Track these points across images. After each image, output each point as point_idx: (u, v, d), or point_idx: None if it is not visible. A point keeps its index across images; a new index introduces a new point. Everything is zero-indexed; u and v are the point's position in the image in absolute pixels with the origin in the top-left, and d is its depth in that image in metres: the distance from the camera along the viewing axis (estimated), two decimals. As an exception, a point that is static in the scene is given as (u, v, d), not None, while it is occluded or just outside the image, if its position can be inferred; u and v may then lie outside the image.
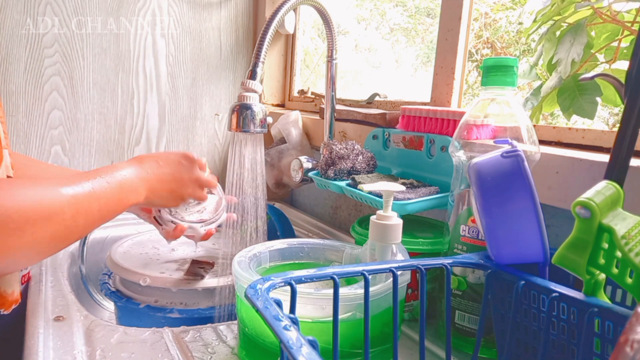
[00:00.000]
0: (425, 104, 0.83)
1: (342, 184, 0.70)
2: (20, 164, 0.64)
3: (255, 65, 0.67)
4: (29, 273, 0.67)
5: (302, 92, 1.25)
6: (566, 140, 0.62)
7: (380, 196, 0.60)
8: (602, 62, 0.64)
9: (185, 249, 0.80)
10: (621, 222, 0.34)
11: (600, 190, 0.35)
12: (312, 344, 0.26)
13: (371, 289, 0.42)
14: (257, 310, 0.31)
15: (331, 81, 0.87)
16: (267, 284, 0.35)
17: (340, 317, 0.39)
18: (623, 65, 0.62)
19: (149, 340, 0.52)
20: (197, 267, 0.67)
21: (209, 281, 0.66)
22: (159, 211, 0.66)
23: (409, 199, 0.59)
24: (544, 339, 0.40)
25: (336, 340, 0.39)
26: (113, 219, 0.53)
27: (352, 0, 1.48)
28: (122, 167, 0.55)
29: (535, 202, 0.41)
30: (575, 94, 0.63)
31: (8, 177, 0.52)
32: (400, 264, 0.42)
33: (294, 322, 0.30)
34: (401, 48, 1.51)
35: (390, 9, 1.54)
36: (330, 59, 0.86)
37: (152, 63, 1.16)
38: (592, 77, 0.45)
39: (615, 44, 0.63)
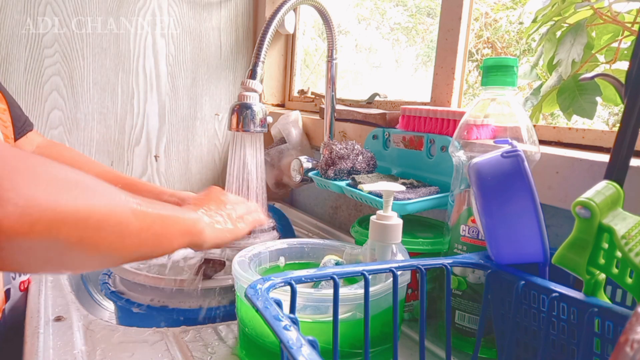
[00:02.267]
0: (425, 104, 0.83)
1: (342, 184, 0.70)
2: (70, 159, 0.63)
3: (255, 65, 0.67)
4: (29, 278, 0.67)
5: (302, 92, 1.25)
6: (566, 140, 0.62)
7: (380, 196, 0.60)
8: (602, 63, 0.64)
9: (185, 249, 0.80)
10: (621, 222, 0.34)
11: (600, 190, 0.35)
12: (312, 344, 0.26)
13: (371, 289, 0.42)
14: (257, 310, 0.31)
15: (331, 81, 0.87)
16: (267, 284, 0.35)
17: (340, 317, 0.39)
18: (623, 65, 0.62)
19: (149, 340, 0.52)
20: (209, 267, 0.66)
21: (209, 281, 0.66)
22: None
23: (409, 199, 0.59)
24: (544, 339, 0.40)
25: (336, 340, 0.39)
26: (172, 244, 0.50)
27: (352, 0, 1.48)
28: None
29: (535, 202, 0.41)
30: (575, 93, 0.63)
31: None
32: (400, 264, 0.42)
33: (294, 322, 0.30)
34: (401, 48, 1.51)
35: (391, 8, 1.54)
36: (330, 58, 0.86)
37: (152, 63, 1.16)
38: (592, 77, 0.45)
39: (615, 44, 0.63)
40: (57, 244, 0.38)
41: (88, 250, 0.41)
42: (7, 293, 0.64)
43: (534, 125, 0.64)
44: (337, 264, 0.55)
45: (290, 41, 1.31)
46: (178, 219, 0.50)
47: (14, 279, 0.65)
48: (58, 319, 0.55)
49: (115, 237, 0.42)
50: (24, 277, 0.66)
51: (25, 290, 0.66)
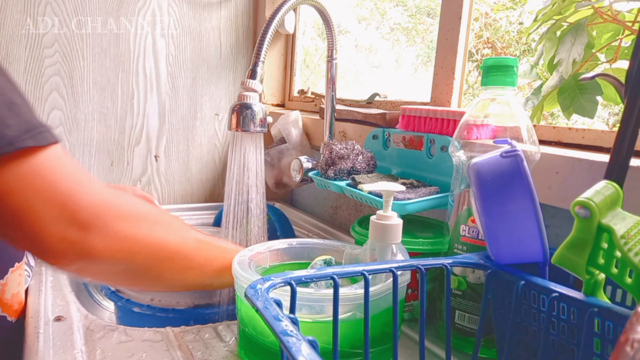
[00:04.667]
0: (425, 104, 0.83)
1: (342, 184, 0.70)
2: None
3: (255, 64, 0.67)
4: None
5: (302, 92, 1.25)
6: (566, 140, 0.62)
7: (380, 196, 0.60)
8: (603, 62, 0.64)
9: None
10: (620, 222, 0.34)
11: (599, 190, 0.35)
12: (312, 344, 0.26)
13: (371, 289, 0.42)
14: (257, 310, 0.31)
15: (331, 81, 0.87)
16: (267, 284, 0.35)
17: (340, 317, 0.39)
18: (624, 64, 0.62)
19: (149, 340, 0.52)
20: None
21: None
22: None
23: (409, 199, 0.59)
24: (544, 339, 0.40)
25: (336, 340, 0.39)
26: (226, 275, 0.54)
27: (352, 0, 1.48)
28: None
29: (535, 202, 0.41)
30: (576, 93, 0.63)
31: None
32: (400, 264, 0.42)
33: (294, 322, 0.30)
34: (401, 48, 1.51)
35: (391, 8, 1.54)
36: (330, 58, 0.86)
37: (152, 63, 1.16)
38: (592, 77, 0.45)
39: (616, 43, 0.63)
40: (132, 267, 0.46)
41: (155, 276, 0.49)
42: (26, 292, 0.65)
43: (534, 125, 0.64)
44: (325, 262, 0.55)
45: (290, 41, 1.31)
46: (226, 252, 0.56)
47: (28, 276, 0.65)
48: (58, 319, 0.55)
49: (179, 267, 0.50)
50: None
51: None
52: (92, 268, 0.44)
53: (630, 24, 0.60)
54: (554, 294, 0.39)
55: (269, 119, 0.69)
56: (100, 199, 0.43)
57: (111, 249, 0.43)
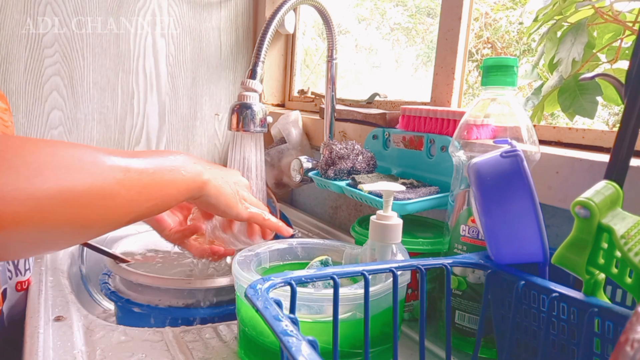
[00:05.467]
0: (425, 104, 0.83)
1: (342, 184, 0.70)
2: None
3: (255, 64, 0.67)
4: (29, 279, 0.67)
5: (302, 92, 1.25)
6: (566, 140, 0.62)
7: (380, 196, 0.60)
8: (603, 62, 0.64)
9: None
10: (620, 222, 0.34)
11: (599, 190, 0.35)
12: (312, 344, 0.26)
13: (371, 289, 0.42)
14: (257, 310, 0.31)
15: (331, 81, 0.87)
16: (267, 284, 0.35)
17: (340, 317, 0.39)
18: (625, 65, 0.62)
19: (149, 340, 0.52)
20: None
21: (209, 281, 0.66)
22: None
23: (409, 199, 0.59)
24: (544, 339, 0.40)
25: (336, 340, 0.39)
26: (174, 198, 0.48)
27: (352, 0, 1.48)
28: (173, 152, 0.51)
29: (535, 202, 0.41)
30: (576, 93, 0.63)
31: None
32: (400, 264, 0.42)
33: (294, 322, 0.30)
34: (401, 48, 1.51)
35: (391, 8, 1.54)
36: (330, 58, 0.86)
37: (152, 63, 1.16)
38: (592, 77, 0.45)
39: (616, 43, 0.63)
40: (45, 228, 0.37)
41: (78, 228, 0.40)
42: (4, 293, 0.64)
43: (534, 125, 0.64)
44: (322, 263, 0.55)
45: (290, 41, 1.31)
46: (176, 178, 0.48)
47: (10, 278, 0.65)
48: (58, 319, 0.55)
49: (104, 210, 0.41)
50: (21, 277, 0.66)
51: (22, 290, 0.66)
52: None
53: (630, 24, 0.60)
54: (554, 294, 0.39)
55: (269, 119, 0.69)
56: None
57: (9, 213, 0.34)
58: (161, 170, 0.46)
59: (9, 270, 0.64)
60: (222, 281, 0.66)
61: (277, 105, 1.34)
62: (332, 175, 0.72)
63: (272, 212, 0.80)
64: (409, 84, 1.40)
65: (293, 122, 1.04)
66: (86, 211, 0.40)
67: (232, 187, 0.57)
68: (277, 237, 0.76)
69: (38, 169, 0.36)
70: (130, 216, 0.44)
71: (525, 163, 0.41)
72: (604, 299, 0.37)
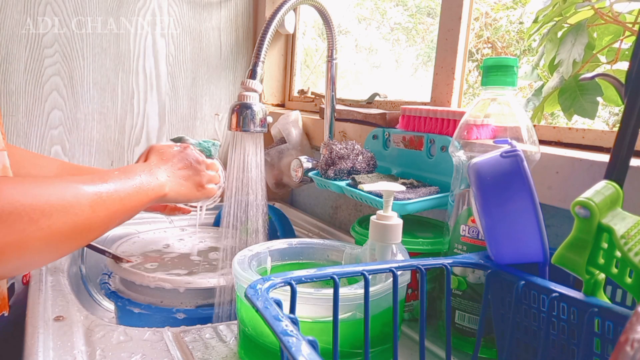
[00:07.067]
0: (425, 103, 0.83)
1: (342, 184, 0.70)
2: (21, 157, 0.65)
3: (255, 64, 0.67)
4: (28, 274, 0.67)
5: (302, 92, 1.25)
6: (566, 140, 0.62)
7: (380, 196, 0.60)
8: (603, 63, 0.64)
9: (185, 249, 0.80)
10: (620, 222, 0.34)
11: (599, 190, 0.35)
12: (312, 344, 0.26)
13: (371, 289, 0.42)
14: (257, 310, 0.31)
15: (331, 81, 0.87)
16: (267, 284, 0.35)
17: (340, 317, 0.39)
18: (625, 66, 0.62)
19: (149, 340, 0.52)
20: None
21: (210, 281, 0.66)
22: None
23: (409, 199, 0.59)
24: (544, 339, 0.40)
25: (336, 340, 0.39)
26: (138, 211, 0.57)
27: (352, 0, 1.48)
28: (135, 165, 0.61)
29: (535, 202, 0.41)
30: (576, 94, 0.63)
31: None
32: (400, 264, 0.42)
33: (294, 322, 0.30)
34: (401, 48, 1.51)
35: (391, 8, 1.54)
36: (330, 58, 0.86)
37: (152, 63, 1.16)
38: (592, 77, 0.45)
39: (616, 44, 0.63)
40: (25, 265, 0.47)
41: (62, 253, 0.49)
42: (12, 287, 0.65)
43: (534, 125, 0.64)
44: (201, 145, 0.66)
45: (290, 41, 1.31)
46: (140, 199, 0.56)
47: None
48: (58, 319, 0.55)
49: (79, 242, 0.50)
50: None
51: (27, 284, 0.66)
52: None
53: (630, 25, 0.60)
54: (554, 294, 0.39)
55: (269, 119, 0.69)
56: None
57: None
58: (128, 194, 0.54)
59: None
60: (222, 281, 0.66)
61: (277, 105, 1.34)
62: (332, 175, 0.72)
63: (269, 215, 0.81)
64: (409, 84, 1.40)
65: (293, 122, 1.04)
66: (67, 245, 0.48)
67: (190, 182, 0.66)
68: (276, 237, 0.76)
69: (31, 219, 0.43)
70: (104, 232, 0.53)
71: (525, 163, 0.41)
72: (604, 299, 0.37)
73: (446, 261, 0.45)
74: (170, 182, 0.63)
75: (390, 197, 0.49)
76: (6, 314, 0.59)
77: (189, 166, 0.67)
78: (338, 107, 0.92)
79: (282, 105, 1.34)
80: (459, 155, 0.52)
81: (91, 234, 0.50)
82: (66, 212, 0.46)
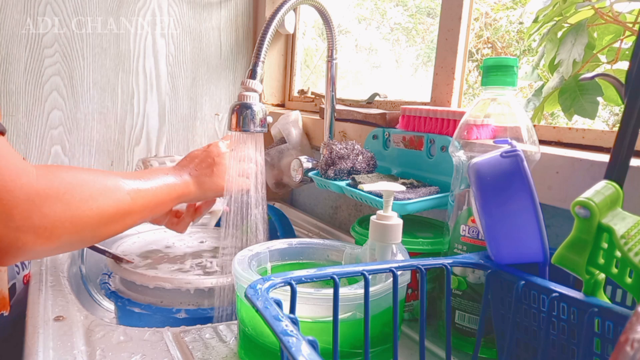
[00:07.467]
0: (425, 104, 0.83)
1: (342, 184, 0.70)
2: None
3: (255, 64, 0.67)
4: (29, 273, 0.67)
5: (302, 92, 1.25)
6: (566, 140, 0.62)
7: (380, 196, 0.60)
8: (604, 63, 0.64)
9: (184, 249, 0.80)
10: (620, 222, 0.34)
11: (599, 190, 0.35)
12: (312, 344, 0.26)
13: (371, 289, 0.42)
14: (257, 310, 0.31)
15: (331, 81, 0.87)
16: (267, 284, 0.35)
17: (340, 317, 0.39)
18: (625, 65, 0.62)
19: (149, 340, 0.52)
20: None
21: (210, 281, 0.66)
22: None
23: (409, 199, 0.59)
24: (544, 339, 0.40)
25: (336, 340, 0.39)
26: (169, 206, 0.62)
27: (352, 0, 1.48)
28: (166, 167, 0.67)
29: (535, 202, 0.41)
30: (577, 94, 0.63)
31: None
32: (400, 264, 0.42)
33: (294, 322, 0.30)
34: (401, 48, 1.51)
35: (391, 8, 1.54)
36: (330, 58, 0.86)
37: (152, 63, 1.16)
38: (592, 77, 0.45)
39: (617, 44, 0.63)
40: (78, 241, 0.51)
41: (100, 238, 0.54)
42: (13, 288, 0.65)
43: (534, 125, 0.64)
44: None
45: (290, 41, 1.31)
46: (170, 189, 0.61)
47: (18, 273, 0.65)
48: (58, 319, 0.55)
49: (122, 223, 0.55)
50: (26, 271, 0.66)
51: (27, 284, 0.66)
52: (38, 254, 0.48)
53: (630, 25, 0.60)
54: (554, 294, 0.39)
55: (269, 119, 0.69)
56: (33, 190, 0.44)
57: (50, 239, 0.46)
58: (159, 187, 0.60)
59: (16, 266, 0.65)
60: (222, 281, 0.66)
61: (277, 105, 1.34)
62: (332, 175, 0.72)
63: (269, 215, 0.81)
64: (409, 84, 1.40)
65: (293, 122, 1.04)
66: (110, 227, 0.53)
67: (215, 176, 0.68)
68: (276, 237, 0.76)
69: (82, 199, 0.49)
70: (136, 223, 0.58)
71: (525, 163, 0.41)
72: (604, 299, 0.37)
73: (446, 261, 0.45)
74: (194, 178, 0.66)
75: (390, 197, 0.49)
76: (6, 314, 0.59)
77: (211, 161, 0.68)
78: (338, 107, 0.92)
79: (282, 105, 1.34)
80: (459, 155, 0.52)
81: (130, 219, 0.56)
82: (109, 197, 0.52)
